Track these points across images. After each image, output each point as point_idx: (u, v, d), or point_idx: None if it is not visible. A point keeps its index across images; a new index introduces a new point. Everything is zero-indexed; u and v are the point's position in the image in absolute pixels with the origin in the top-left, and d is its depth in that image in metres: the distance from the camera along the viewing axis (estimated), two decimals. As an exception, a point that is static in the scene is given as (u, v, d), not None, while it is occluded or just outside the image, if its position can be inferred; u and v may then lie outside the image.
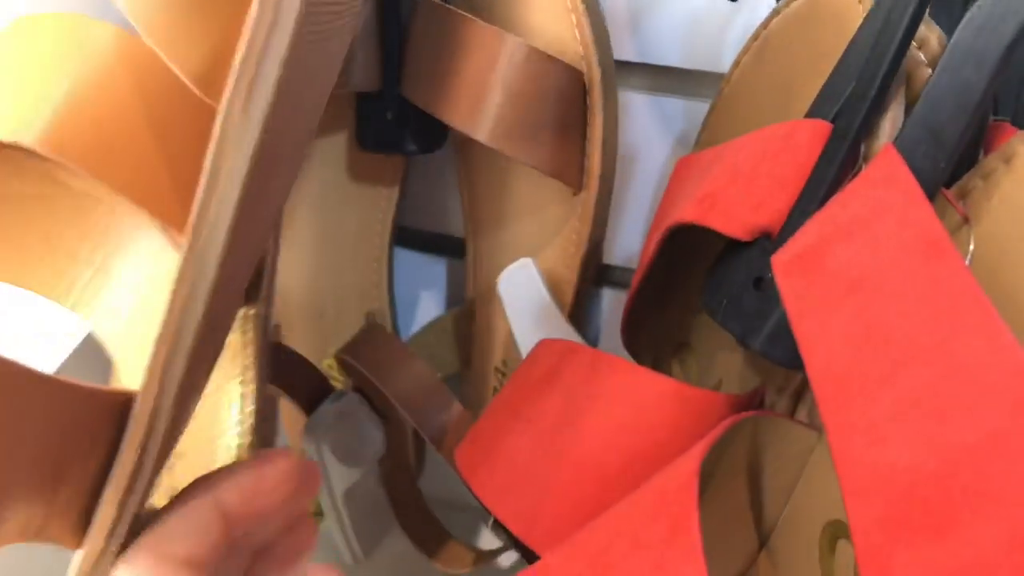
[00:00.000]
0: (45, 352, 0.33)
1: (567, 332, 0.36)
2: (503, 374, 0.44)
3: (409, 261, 0.46)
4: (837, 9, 0.27)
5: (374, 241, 0.44)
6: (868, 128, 0.24)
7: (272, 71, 0.18)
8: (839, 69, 0.25)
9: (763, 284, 0.25)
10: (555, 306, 0.37)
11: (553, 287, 0.38)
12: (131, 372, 0.26)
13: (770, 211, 0.25)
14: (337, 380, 0.43)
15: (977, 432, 0.20)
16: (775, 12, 0.30)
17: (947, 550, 0.20)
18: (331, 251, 0.43)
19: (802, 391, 0.28)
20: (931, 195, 0.23)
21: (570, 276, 0.37)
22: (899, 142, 0.23)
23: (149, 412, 0.20)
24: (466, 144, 0.39)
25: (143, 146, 0.26)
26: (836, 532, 0.26)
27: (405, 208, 0.43)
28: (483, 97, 0.33)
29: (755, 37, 0.31)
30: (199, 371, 0.22)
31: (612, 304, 0.42)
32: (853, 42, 0.25)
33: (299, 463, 0.26)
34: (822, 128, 0.25)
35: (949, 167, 0.23)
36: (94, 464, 0.20)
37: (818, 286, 0.22)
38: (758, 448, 0.28)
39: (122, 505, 0.20)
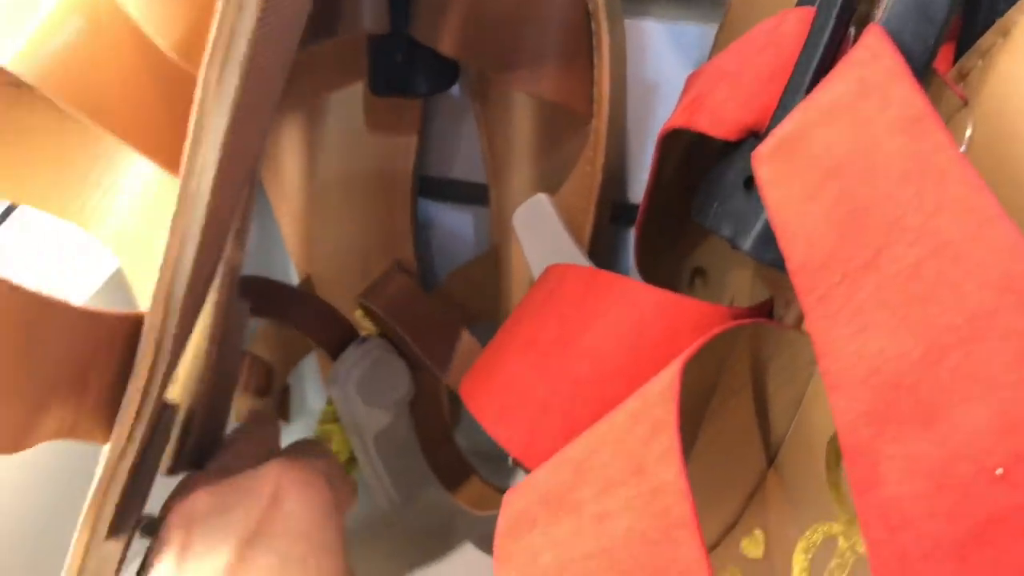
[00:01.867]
0: (80, 281, 0.35)
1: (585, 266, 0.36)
2: (533, 321, 0.44)
3: (435, 211, 0.46)
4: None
5: (397, 191, 0.44)
6: (853, 10, 0.23)
7: (240, 48, 0.21)
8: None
9: (752, 183, 0.24)
10: (572, 241, 0.36)
11: (572, 224, 0.37)
12: (142, 282, 0.27)
13: (757, 108, 0.24)
14: (368, 331, 0.43)
15: (963, 312, 0.19)
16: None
17: (936, 439, 0.19)
18: (355, 203, 0.43)
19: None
20: (921, 75, 0.22)
21: (587, 207, 0.37)
22: (886, 22, 0.22)
23: (157, 330, 0.23)
24: (480, 87, 0.39)
25: (139, 95, 0.27)
26: (841, 443, 0.24)
27: (428, 159, 0.44)
28: (484, 26, 0.32)
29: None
30: (197, 292, 0.25)
31: (636, 244, 0.41)
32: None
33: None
34: (807, 15, 0.23)
35: (939, 45, 0.22)
36: (113, 373, 0.24)
37: (798, 173, 0.21)
38: (763, 362, 0.27)
39: (141, 403, 0.24)
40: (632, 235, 0.41)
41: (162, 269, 0.23)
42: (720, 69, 0.25)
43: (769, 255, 0.24)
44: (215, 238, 0.25)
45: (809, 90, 0.23)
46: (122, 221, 0.28)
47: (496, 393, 0.28)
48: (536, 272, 0.37)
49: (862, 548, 0.24)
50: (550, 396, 0.27)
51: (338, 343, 0.40)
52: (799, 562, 0.26)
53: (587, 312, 0.27)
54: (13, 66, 0.24)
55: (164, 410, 0.29)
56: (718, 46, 0.32)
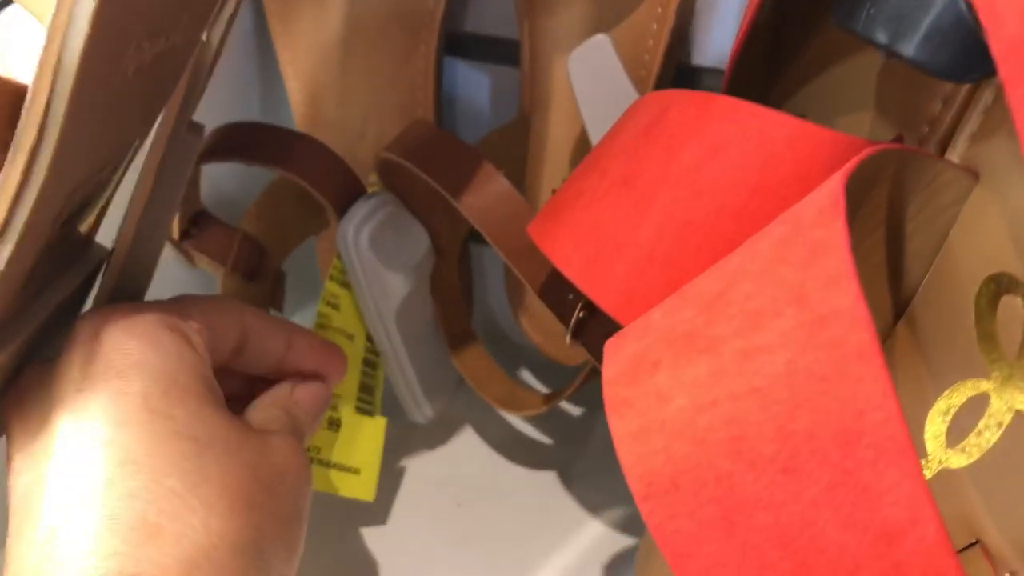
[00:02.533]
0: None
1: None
2: (566, 195, 0.40)
3: (456, 71, 0.42)
4: None
5: (420, 42, 0.39)
6: None
7: None
8: None
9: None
10: (634, 90, 0.32)
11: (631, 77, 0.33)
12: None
13: None
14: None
15: None
16: None
17: None
18: (371, 62, 0.39)
19: (951, 137, 0.23)
20: None
21: (651, 58, 0.33)
22: None
23: (41, 109, 0.18)
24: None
25: None
26: (1000, 287, 0.21)
27: (453, 10, 0.39)
28: None
29: None
30: (103, 79, 0.19)
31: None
32: None
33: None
34: None
35: None
36: None
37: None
38: (901, 201, 0.23)
39: (9, 215, 0.19)
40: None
41: (49, 30, 0.18)
42: None
43: (940, 58, 0.20)
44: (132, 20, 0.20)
45: None
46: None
47: (583, 238, 0.24)
48: (590, 122, 0.33)
49: (1022, 404, 0.21)
50: (655, 242, 0.23)
51: (345, 197, 0.35)
52: (935, 425, 0.22)
53: (701, 145, 0.23)
54: None
55: (87, 245, 0.26)
56: None
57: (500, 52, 0.40)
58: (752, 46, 0.28)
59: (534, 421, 0.44)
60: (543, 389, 0.44)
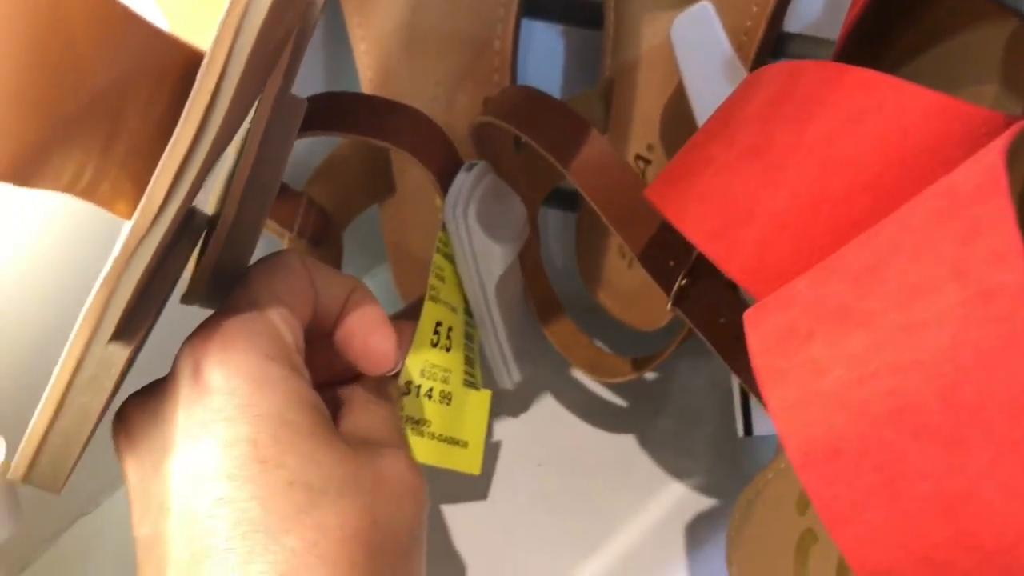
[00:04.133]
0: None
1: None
2: (647, 162, 0.40)
3: (533, 34, 0.41)
4: None
5: (498, 12, 0.39)
6: None
7: None
8: None
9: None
10: (738, 59, 0.32)
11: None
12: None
13: None
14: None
15: None
16: None
17: None
18: (446, 24, 0.38)
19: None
20: None
21: (754, 24, 0.33)
22: None
23: (218, 72, 0.18)
24: None
25: None
26: None
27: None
28: None
29: None
30: (266, 45, 0.20)
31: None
32: None
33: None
34: None
35: None
36: (153, 117, 0.19)
37: None
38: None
39: (177, 176, 0.19)
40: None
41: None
42: None
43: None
44: None
45: None
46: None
47: (712, 206, 0.25)
48: (693, 91, 0.33)
49: None
50: (785, 211, 0.23)
51: (447, 169, 0.35)
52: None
53: (835, 116, 0.23)
54: None
55: (192, 214, 0.25)
56: None
57: (580, 14, 0.40)
58: (867, 15, 0.28)
59: (613, 385, 0.44)
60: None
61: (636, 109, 0.39)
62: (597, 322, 0.42)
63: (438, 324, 0.34)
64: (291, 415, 0.23)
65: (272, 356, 0.23)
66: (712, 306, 0.31)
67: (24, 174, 0.17)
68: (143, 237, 0.19)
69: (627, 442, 0.42)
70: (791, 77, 0.25)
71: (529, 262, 0.39)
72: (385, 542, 0.23)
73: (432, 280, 0.34)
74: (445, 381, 0.33)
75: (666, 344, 0.37)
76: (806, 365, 0.20)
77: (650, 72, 0.38)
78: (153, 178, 0.18)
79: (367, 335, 0.27)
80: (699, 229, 0.25)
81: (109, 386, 0.21)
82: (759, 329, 0.21)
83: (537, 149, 0.32)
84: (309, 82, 0.41)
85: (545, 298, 0.41)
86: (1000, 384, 0.17)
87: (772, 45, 0.34)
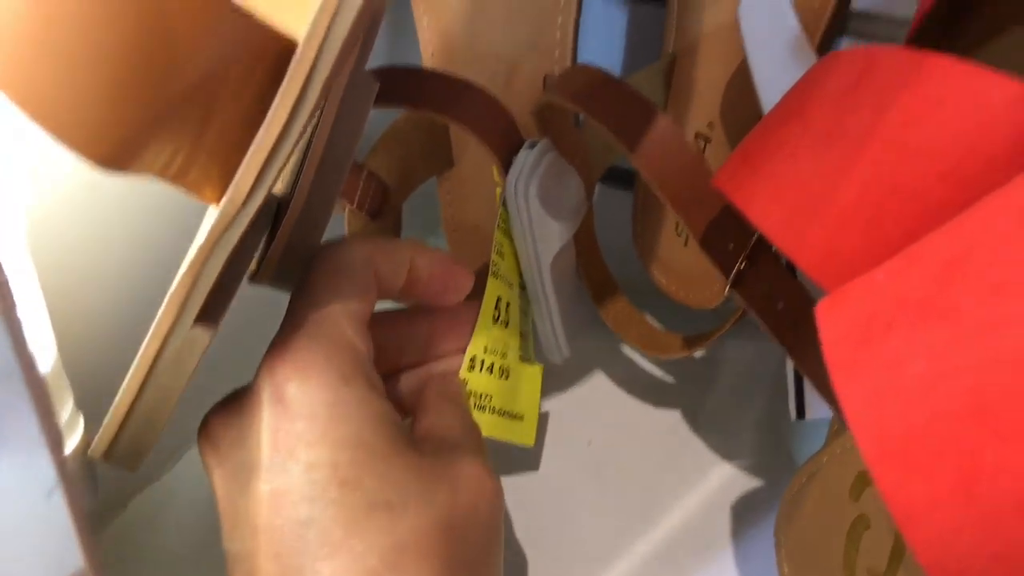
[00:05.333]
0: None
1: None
2: (707, 140, 0.39)
3: (596, 9, 0.41)
4: None
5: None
6: None
7: None
8: None
9: None
10: (807, 40, 0.31)
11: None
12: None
13: None
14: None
15: None
16: None
17: None
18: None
19: None
20: None
21: (820, 7, 0.32)
22: None
23: (311, 61, 0.19)
24: None
25: None
26: None
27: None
28: None
29: None
30: (355, 43, 0.20)
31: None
32: None
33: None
34: None
35: None
36: (243, 105, 0.19)
37: None
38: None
39: (266, 163, 0.19)
40: (843, 45, 0.37)
41: None
42: None
43: None
44: None
45: None
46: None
47: (783, 193, 0.24)
48: (759, 73, 0.32)
49: None
50: (858, 201, 0.23)
51: (508, 146, 0.35)
52: None
53: (913, 104, 0.23)
54: None
55: (269, 197, 0.25)
56: None
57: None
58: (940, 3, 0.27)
59: (661, 363, 0.44)
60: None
61: (697, 86, 0.39)
62: (646, 302, 0.42)
63: (498, 300, 0.34)
64: (367, 435, 0.24)
65: (348, 377, 0.24)
66: (770, 290, 0.31)
67: (122, 161, 0.17)
68: (230, 223, 0.19)
69: (675, 419, 0.42)
70: (867, 63, 0.24)
71: (584, 239, 0.39)
72: (463, 549, 0.24)
73: (494, 256, 0.34)
74: (504, 356, 0.34)
75: (716, 324, 0.37)
76: (884, 358, 0.20)
77: (713, 49, 0.37)
78: (242, 167, 0.19)
79: (436, 268, 0.29)
80: (769, 217, 0.25)
81: (189, 369, 0.21)
82: (833, 320, 0.21)
83: (603, 131, 0.31)
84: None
85: (598, 275, 0.41)
86: (1087, 386, 0.17)
87: (841, 23, 0.33)
